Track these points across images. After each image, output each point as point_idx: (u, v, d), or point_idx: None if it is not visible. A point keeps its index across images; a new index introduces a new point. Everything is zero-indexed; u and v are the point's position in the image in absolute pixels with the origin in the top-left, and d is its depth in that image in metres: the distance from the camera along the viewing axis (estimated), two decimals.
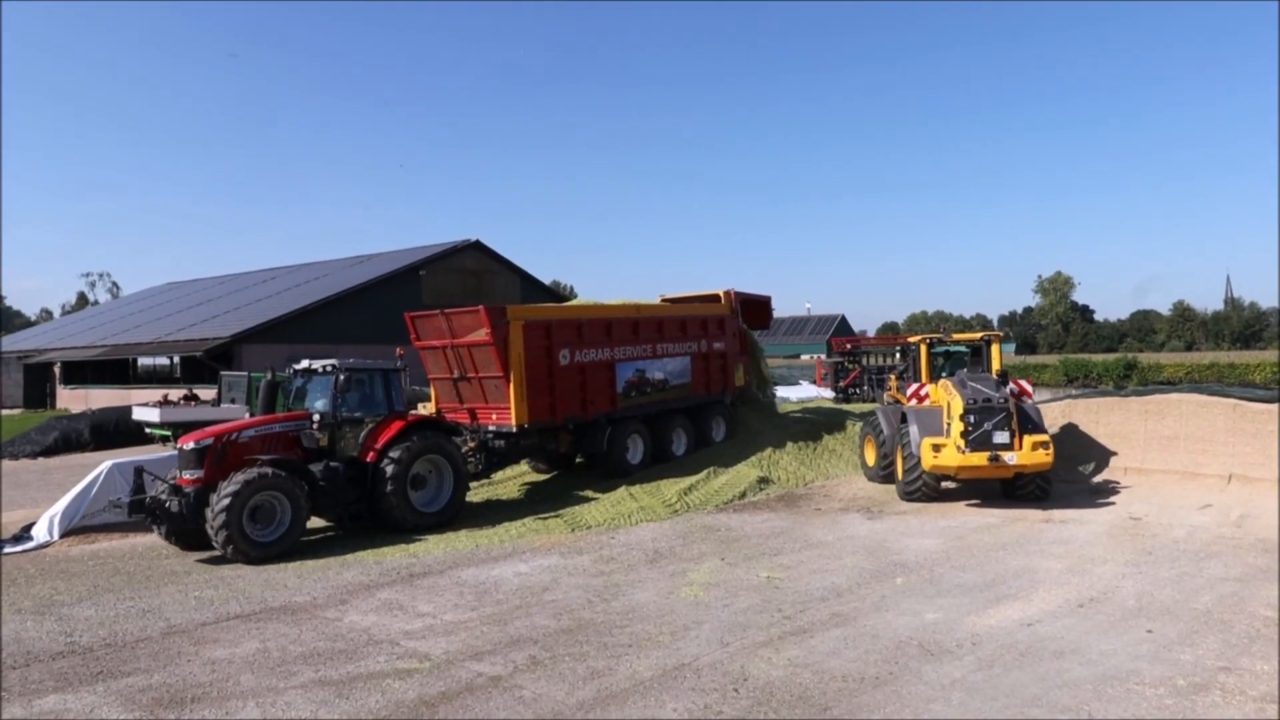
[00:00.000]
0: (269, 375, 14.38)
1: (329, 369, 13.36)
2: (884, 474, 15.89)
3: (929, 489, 14.19)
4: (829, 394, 37.74)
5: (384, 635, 8.29)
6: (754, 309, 21.53)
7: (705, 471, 16.45)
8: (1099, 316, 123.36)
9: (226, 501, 11.25)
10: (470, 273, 41.44)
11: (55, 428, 26.03)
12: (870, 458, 16.56)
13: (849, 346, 39.62)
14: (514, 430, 15.17)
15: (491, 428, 15.58)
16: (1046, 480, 13.86)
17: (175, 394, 27.56)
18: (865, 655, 7.35)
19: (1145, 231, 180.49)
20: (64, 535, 12.96)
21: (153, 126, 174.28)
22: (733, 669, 7.11)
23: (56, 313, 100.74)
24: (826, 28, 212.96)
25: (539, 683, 6.93)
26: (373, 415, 13.41)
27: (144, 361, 46.10)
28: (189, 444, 12.12)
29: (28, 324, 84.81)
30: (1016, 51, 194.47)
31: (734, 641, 7.79)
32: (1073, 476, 15.68)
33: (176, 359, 42.35)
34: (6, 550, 12.53)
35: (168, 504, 11.85)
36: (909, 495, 14.28)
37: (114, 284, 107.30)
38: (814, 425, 20.49)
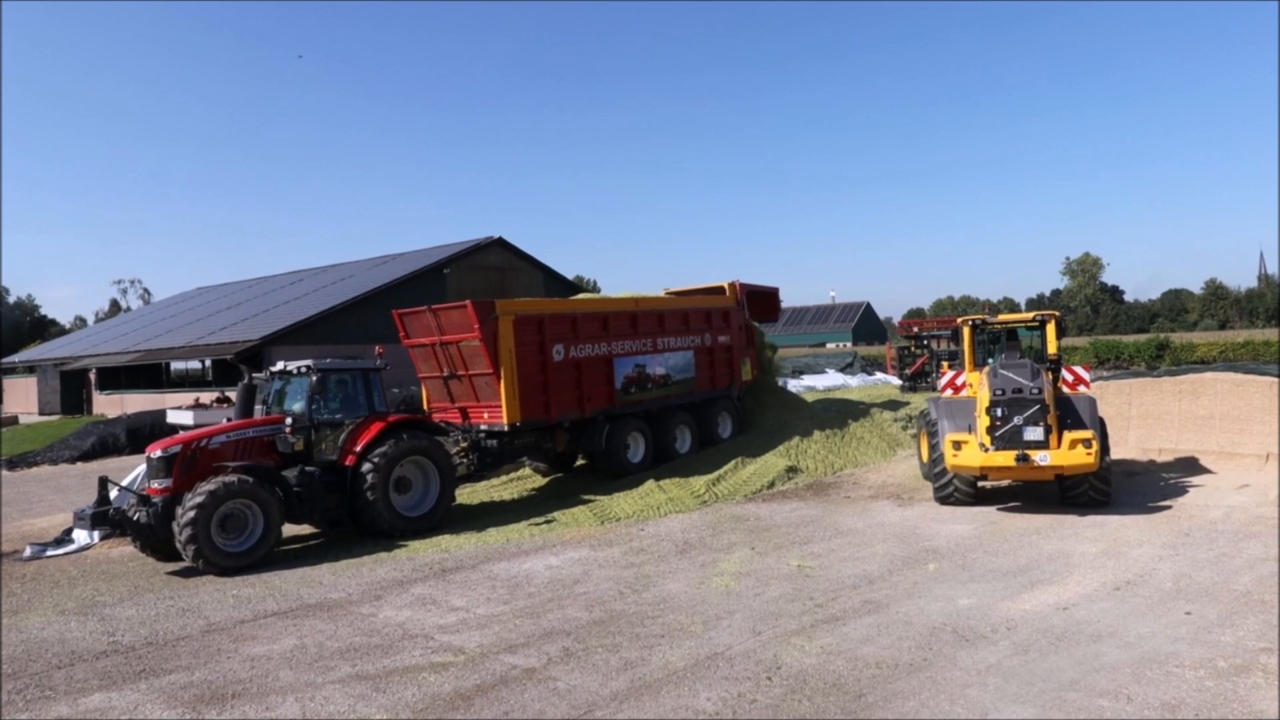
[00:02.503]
0: (246, 378, 13.67)
1: (304, 370, 12.87)
2: None
3: (963, 493, 12.80)
4: (894, 381, 34.40)
5: (418, 630, 8.37)
6: (761, 301, 20.89)
7: (733, 462, 16.42)
8: (1129, 297, 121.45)
9: (193, 512, 10.85)
10: (494, 269, 41.56)
11: (92, 432, 26.51)
12: (925, 454, 14.97)
13: (915, 330, 35.22)
14: (506, 429, 14.72)
15: (483, 427, 15.13)
16: (1101, 486, 12.04)
17: (207, 397, 27.99)
18: (899, 642, 7.32)
19: (1175, 210, 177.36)
20: (104, 538, 13.18)
21: (178, 134, 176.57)
22: (766, 657, 7.11)
23: (90, 320, 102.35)
24: (843, 13, 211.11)
25: (573, 674, 6.98)
26: (352, 417, 12.91)
27: (176, 366, 46.74)
28: (156, 452, 11.68)
29: (63, 332, 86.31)
30: (1038, 32, 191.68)
31: (766, 630, 7.79)
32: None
33: (208, 362, 42.93)
34: (49, 553, 12.79)
35: (135, 515, 11.45)
36: (942, 499, 13.00)
37: (145, 290, 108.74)
38: (841, 413, 20.39)
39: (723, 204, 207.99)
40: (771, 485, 15.42)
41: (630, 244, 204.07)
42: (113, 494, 11.99)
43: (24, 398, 48.84)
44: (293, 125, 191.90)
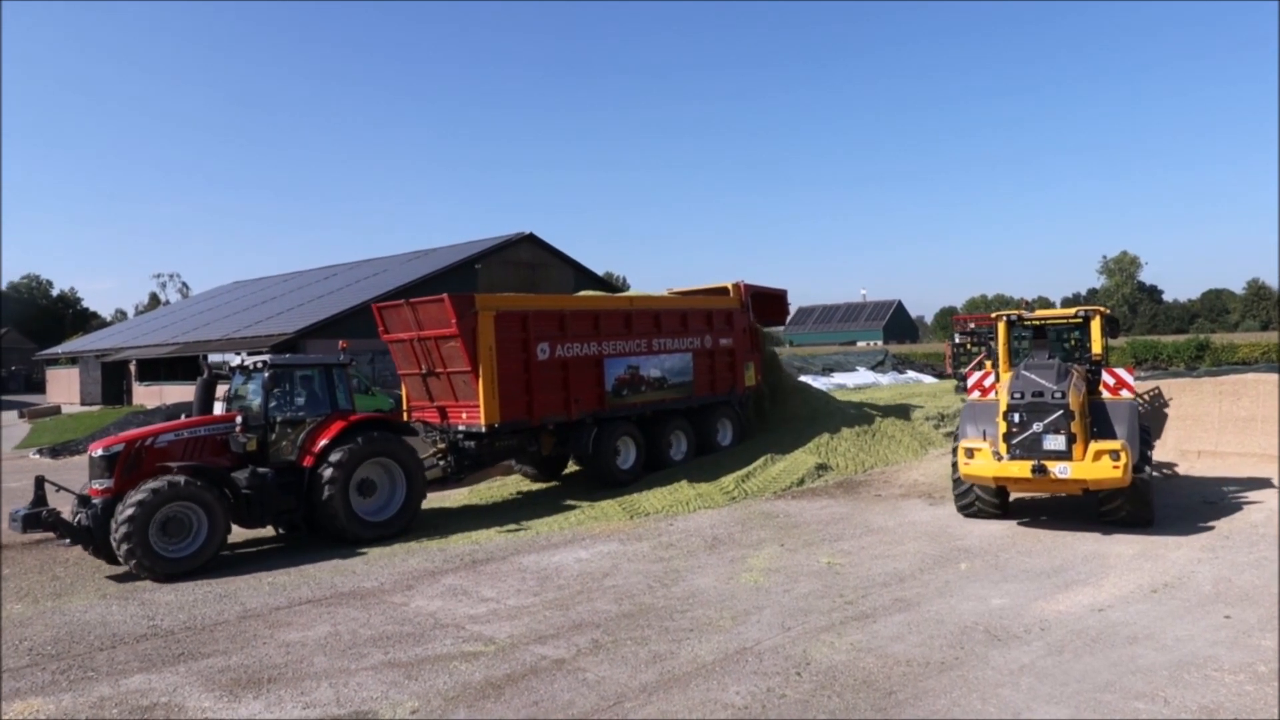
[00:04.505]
0: (204, 373, 13.11)
1: (259, 365, 12.30)
2: None
3: (986, 506, 11.81)
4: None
5: (450, 619, 8.46)
6: (767, 303, 20.01)
7: (762, 458, 16.36)
8: (1168, 297, 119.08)
9: (131, 511, 10.24)
10: (525, 265, 41.79)
11: (132, 422, 27.04)
12: None
13: (971, 326, 33.04)
14: (484, 430, 13.96)
15: (461, 427, 14.41)
16: (1140, 501, 10.84)
17: None
18: (930, 640, 7.27)
19: (1216, 208, 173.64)
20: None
21: (217, 131, 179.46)
22: (795, 653, 7.10)
23: (130, 313, 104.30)
24: (873, 10, 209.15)
25: (602, 666, 7.01)
26: (313, 415, 12.32)
27: (213, 358, 47.62)
28: (98, 450, 11.06)
29: (104, 324, 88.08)
30: (1073, 29, 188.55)
31: (795, 626, 7.77)
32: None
33: (244, 355, 43.69)
34: None
35: (75, 517, 10.87)
36: (963, 510, 12.09)
37: (184, 284, 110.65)
38: (871, 411, 20.24)
39: (754, 202, 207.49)
40: (801, 482, 15.36)
41: (662, 242, 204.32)
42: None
43: (66, 388, 50.01)
44: (330, 122, 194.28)
